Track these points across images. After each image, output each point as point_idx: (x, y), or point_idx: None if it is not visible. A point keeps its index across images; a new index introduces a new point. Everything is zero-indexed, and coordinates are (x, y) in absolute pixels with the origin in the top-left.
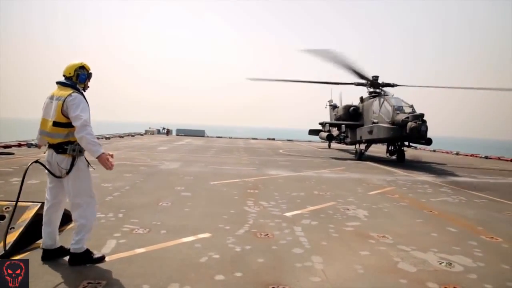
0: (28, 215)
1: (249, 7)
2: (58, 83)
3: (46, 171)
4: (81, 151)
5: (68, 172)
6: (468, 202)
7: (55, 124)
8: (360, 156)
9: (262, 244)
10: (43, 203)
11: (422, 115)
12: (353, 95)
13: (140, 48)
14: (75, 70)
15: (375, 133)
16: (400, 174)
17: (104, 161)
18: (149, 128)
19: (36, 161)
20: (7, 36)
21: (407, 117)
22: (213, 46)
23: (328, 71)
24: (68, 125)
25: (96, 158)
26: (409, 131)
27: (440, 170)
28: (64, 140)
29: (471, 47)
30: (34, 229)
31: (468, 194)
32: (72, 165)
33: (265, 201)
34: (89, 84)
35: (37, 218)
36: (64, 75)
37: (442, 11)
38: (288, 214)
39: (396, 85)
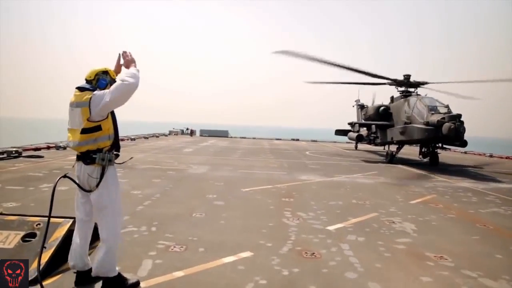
0: (60, 232)
1: (270, 8)
2: (77, 88)
3: (76, 186)
4: (110, 160)
5: (98, 184)
6: None
7: (84, 131)
8: (392, 159)
9: (310, 266)
10: (74, 218)
11: (459, 115)
12: (381, 96)
13: (160, 49)
14: (96, 75)
15: (408, 134)
16: (438, 179)
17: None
18: (173, 128)
19: (65, 176)
20: (6, 36)
21: (443, 118)
22: (235, 47)
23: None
24: (96, 129)
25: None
26: (446, 132)
27: (479, 175)
28: (92, 147)
29: (478, 39)
30: (66, 247)
31: None
32: (102, 175)
33: (303, 211)
34: None
35: (70, 236)
36: (86, 79)
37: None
38: (330, 228)
39: (427, 83)
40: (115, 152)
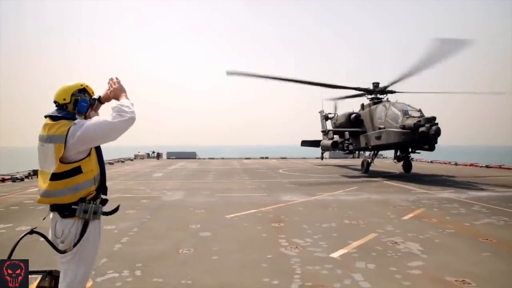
0: None
1: (240, 35)
2: (48, 116)
3: (48, 244)
4: (96, 213)
5: (76, 244)
6: None
7: (55, 177)
8: (368, 168)
9: None
10: (46, 272)
11: (434, 118)
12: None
13: (125, 67)
14: (73, 95)
15: (384, 138)
16: (419, 191)
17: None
18: (138, 152)
19: (32, 232)
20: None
21: (419, 121)
22: (202, 71)
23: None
24: (74, 172)
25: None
26: (422, 134)
27: (456, 184)
28: (72, 198)
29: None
30: None
31: (505, 212)
32: (83, 232)
33: (299, 237)
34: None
35: None
36: (56, 102)
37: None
38: (334, 255)
39: (395, 92)
40: (103, 197)
